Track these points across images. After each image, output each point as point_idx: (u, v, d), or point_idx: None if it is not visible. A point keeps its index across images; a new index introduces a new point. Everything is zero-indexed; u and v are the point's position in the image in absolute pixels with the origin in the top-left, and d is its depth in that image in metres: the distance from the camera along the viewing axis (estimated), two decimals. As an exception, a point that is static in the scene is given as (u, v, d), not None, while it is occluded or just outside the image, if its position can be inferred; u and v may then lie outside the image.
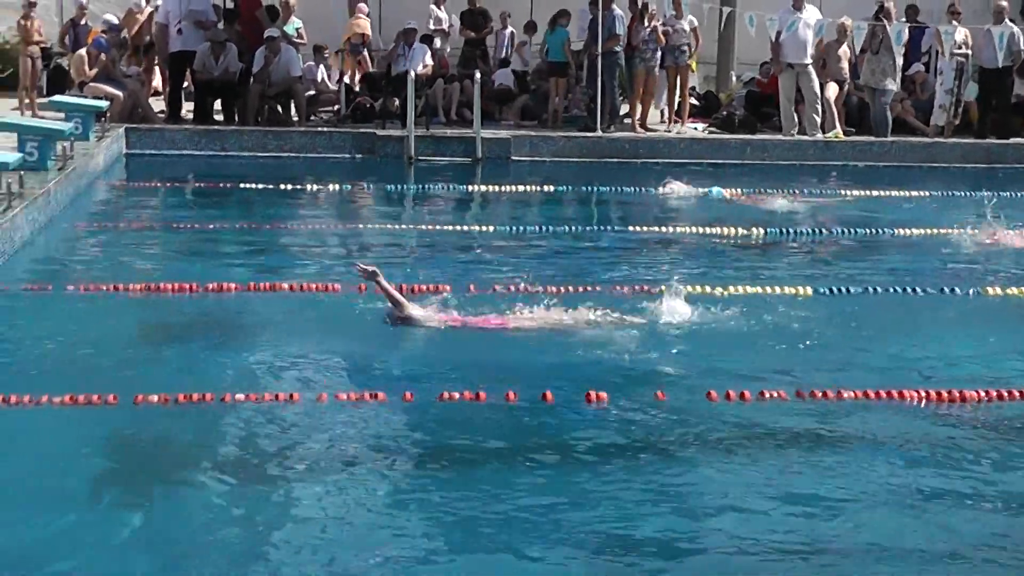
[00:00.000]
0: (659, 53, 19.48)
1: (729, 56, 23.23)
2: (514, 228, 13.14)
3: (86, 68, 18.84)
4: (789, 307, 9.83)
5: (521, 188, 15.86)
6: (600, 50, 18.88)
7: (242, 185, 15.40)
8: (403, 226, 13.34)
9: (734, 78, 23.34)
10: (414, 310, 8.91)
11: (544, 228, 13.16)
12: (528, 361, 8.30)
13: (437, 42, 20.75)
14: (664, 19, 19.71)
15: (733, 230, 12.97)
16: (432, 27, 21.12)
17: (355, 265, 9.22)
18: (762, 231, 13.05)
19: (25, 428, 6.83)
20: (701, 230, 13.12)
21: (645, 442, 6.96)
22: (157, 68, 21.04)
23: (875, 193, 16.05)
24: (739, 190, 15.63)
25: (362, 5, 21.51)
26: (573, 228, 13.21)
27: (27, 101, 18.97)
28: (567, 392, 7.56)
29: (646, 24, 19.34)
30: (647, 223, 13.59)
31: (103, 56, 18.91)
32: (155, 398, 7.15)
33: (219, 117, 19.03)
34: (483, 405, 7.31)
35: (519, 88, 20.67)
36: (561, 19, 20.19)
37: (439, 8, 21.64)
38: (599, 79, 18.92)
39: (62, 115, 15.84)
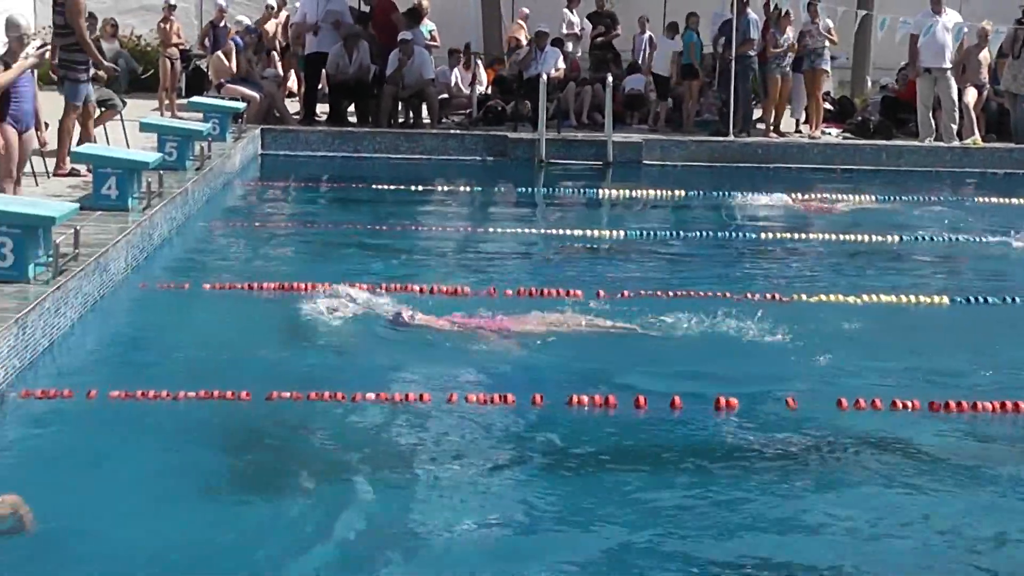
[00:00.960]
0: (792, 58, 19.29)
1: (865, 60, 22.90)
2: (644, 232, 13.09)
3: (225, 69, 19.17)
4: (924, 316, 9.68)
5: (652, 192, 15.80)
6: (733, 54, 18.75)
7: (374, 186, 15.57)
8: (533, 229, 13.36)
9: (869, 82, 23.01)
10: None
11: (675, 233, 13.10)
12: (657, 366, 8.28)
13: (569, 45, 20.79)
14: (803, 24, 19.50)
15: (864, 237, 12.79)
16: (564, 31, 21.16)
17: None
18: (897, 238, 12.86)
19: (162, 422, 6.98)
20: (831, 236, 12.96)
21: (774, 449, 6.90)
22: (292, 70, 21.41)
23: (1015, 201, 15.72)
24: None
25: (524, 9, 21.65)
26: (704, 233, 13.11)
27: (167, 102, 19.37)
28: (696, 398, 7.53)
29: (783, 29, 19.11)
30: (778, 229, 13.44)
31: (240, 57, 19.25)
32: (287, 395, 7.27)
33: (352, 119, 19.27)
34: (612, 410, 7.31)
35: (660, 93, 20.51)
36: (689, 21, 20.06)
37: (571, 12, 21.67)
38: (732, 83, 18.78)
39: (200, 116, 16.15)
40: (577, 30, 21.60)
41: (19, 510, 5.48)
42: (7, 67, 10.09)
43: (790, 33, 19.12)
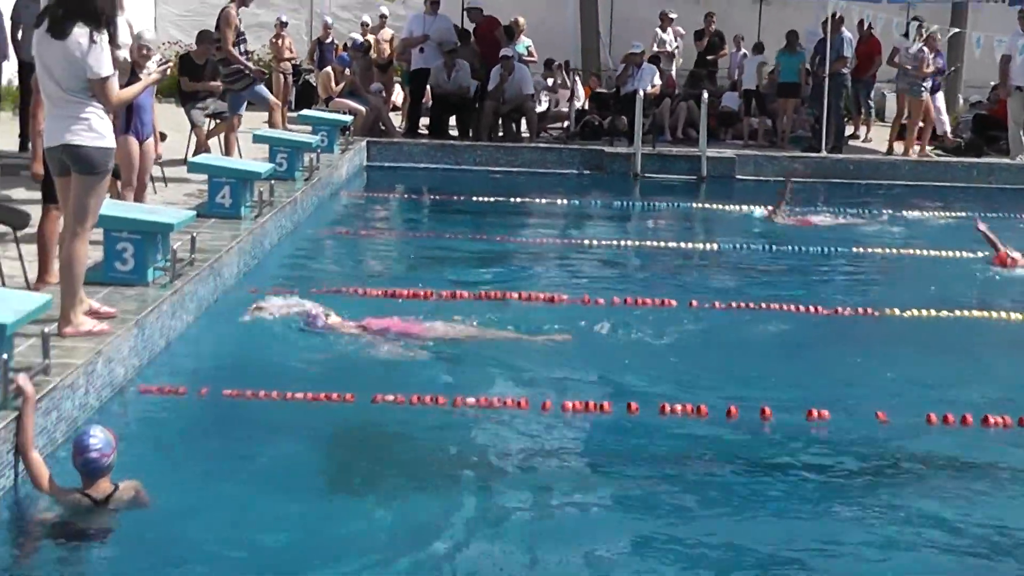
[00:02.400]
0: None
1: (956, 78, 22.60)
2: (737, 246, 13.00)
3: (332, 84, 19.40)
4: (1015, 332, 9.52)
5: (745, 207, 15.68)
6: (828, 72, 18.58)
7: (474, 198, 15.62)
8: (627, 241, 13.33)
9: (961, 100, 22.70)
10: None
11: (767, 247, 12.99)
12: (750, 377, 8.24)
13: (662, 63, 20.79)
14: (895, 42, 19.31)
15: (955, 252, 12.59)
16: (655, 48, 21.16)
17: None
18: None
19: (270, 420, 7.07)
20: (922, 252, 12.77)
21: (863, 462, 6.83)
22: (397, 84, 21.61)
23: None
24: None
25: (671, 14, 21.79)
26: (797, 248, 12.97)
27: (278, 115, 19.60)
28: (788, 409, 7.46)
29: (933, 50, 18.83)
30: (872, 244, 13.25)
31: (347, 72, 19.45)
32: (391, 398, 7.32)
33: (454, 132, 19.37)
34: (704, 420, 7.28)
35: (758, 108, 20.41)
36: (797, 41, 19.96)
37: (663, 31, 21.71)
38: (825, 100, 18.62)
39: (309, 128, 16.31)
40: (670, 48, 21.59)
41: (139, 493, 5.69)
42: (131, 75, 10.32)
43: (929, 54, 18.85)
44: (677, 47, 22.08)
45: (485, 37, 19.54)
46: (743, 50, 21.41)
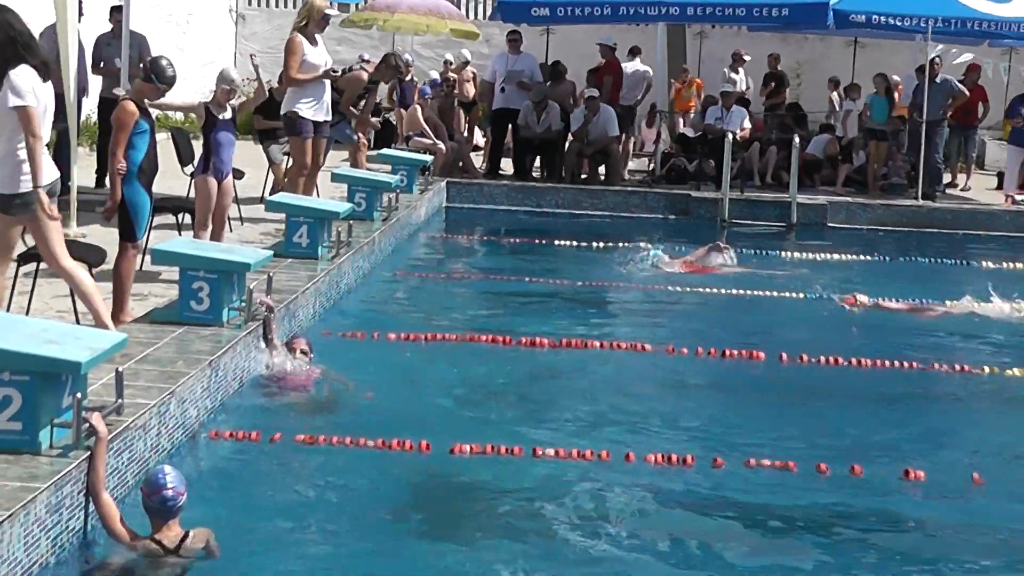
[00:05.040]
0: None
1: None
2: (827, 296, 12.83)
3: (420, 119, 19.47)
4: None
5: (836, 256, 15.51)
6: (924, 117, 18.42)
7: (556, 242, 15.60)
8: (714, 289, 13.24)
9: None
10: (278, 358, 8.64)
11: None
12: (839, 432, 8.14)
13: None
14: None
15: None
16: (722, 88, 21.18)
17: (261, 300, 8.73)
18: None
19: (343, 467, 7.07)
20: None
21: (959, 526, 6.72)
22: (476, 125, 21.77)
23: None
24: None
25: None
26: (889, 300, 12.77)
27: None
28: (881, 467, 7.36)
29: None
30: (963, 296, 13.01)
31: (428, 103, 19.61)
32: (467, 447, 7.30)
33: (536, 174, 19.40)
34: (793, 475, 7.19)
35: (843, 153, 20.28)
36: (885, 84, 19.83)
37: (735, 71, 21.69)
38: (921, 146, 18.46)
39: (388, 167, 16.40)
40: (739, 88, 21.51)
41: (210, 542, 5.71)
42: (208, 112, 10.48)
43: None
44: (748, 88, 22.12)
45: (602, 78, 19.54)
46: (834, 93, 21.31)
